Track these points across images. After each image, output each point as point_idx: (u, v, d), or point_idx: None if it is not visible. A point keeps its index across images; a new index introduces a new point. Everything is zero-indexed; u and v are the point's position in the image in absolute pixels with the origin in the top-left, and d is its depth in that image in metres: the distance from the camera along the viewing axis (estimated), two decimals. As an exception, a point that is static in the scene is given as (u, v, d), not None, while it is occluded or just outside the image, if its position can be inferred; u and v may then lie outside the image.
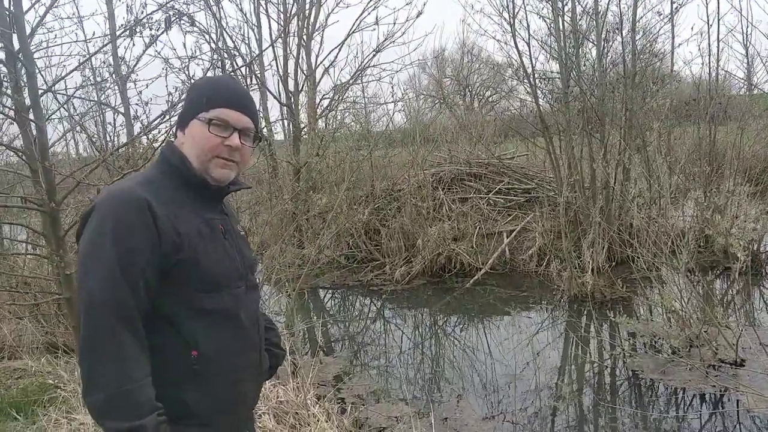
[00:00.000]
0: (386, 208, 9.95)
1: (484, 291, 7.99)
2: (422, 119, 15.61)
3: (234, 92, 1.66)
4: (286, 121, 11.01)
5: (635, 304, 7.07)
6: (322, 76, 10.98)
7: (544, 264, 8.47)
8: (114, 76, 5.99)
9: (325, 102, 11.06)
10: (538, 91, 8.94)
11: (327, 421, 4.04)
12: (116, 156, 4.31)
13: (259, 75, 10.63)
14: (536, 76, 8.79)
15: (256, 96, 10.80)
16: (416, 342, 6.56)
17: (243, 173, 1.85)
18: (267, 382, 4.27)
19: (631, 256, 8.36)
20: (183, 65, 5.37)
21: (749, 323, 5.67)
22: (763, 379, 4.38)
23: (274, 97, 10.64)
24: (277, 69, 10.63)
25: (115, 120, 8.05)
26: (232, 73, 9.51)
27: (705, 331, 5.22)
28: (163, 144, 1.70)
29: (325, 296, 8.91)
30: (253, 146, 1.71)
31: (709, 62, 9.44)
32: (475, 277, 8.19)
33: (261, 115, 10.91)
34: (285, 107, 10.59)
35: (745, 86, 15.48)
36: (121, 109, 6.38)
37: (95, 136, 7.44)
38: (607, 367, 5.20)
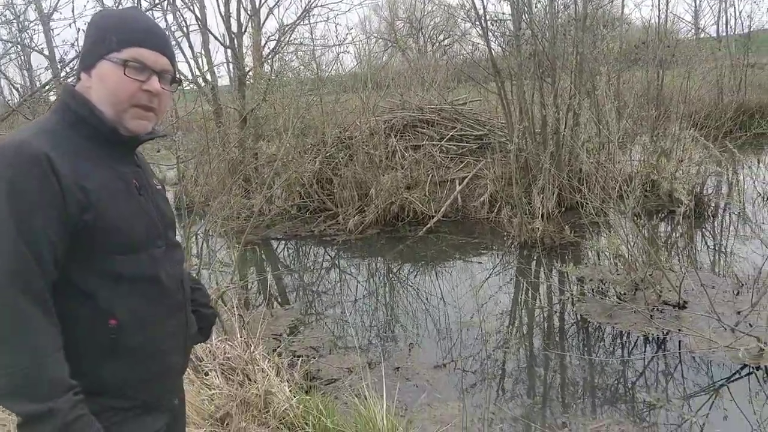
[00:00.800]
0: (338, 157, 9.73)
1: (437, 239, 7.98)
2: (374, 63, 15.21)
3: (149, 29, 1.44)
4: (230, 65, 10.48)
5: (583, 248, 7.21)
6: (267, 17, 10.44)
7: (496, 210, 8.50)
8: (36, 13, 5.47)
9: (271, 44, 10.56)
10: (490, 35, 8.76)
11: (277, 376, 3.96)
12: (35, 102, 3.94)
13: (199, 15, 10.02)
14: (488, 18, 8.58)
15: (197, 38, 10.22)
16: (370, 290, 6.53)
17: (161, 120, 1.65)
18: (213, 338, 4.15)
19: (580, 202, 8.50)
20: (116, 2, 4.93)
21: (692, 266, 5.84)
22: (704, 320, 4.52)
23: (216, 39, 10.07)
24: (218, 8, 10.03)
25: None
26: (172, 12, 8.92)
27: (650, 275, 5.36)
28: (62, 88, 1.45)
29: (277, 247, 8.74)
30: (172, 90, 1.51)
31: (659, 5, 9.41)
32: (428, 225, 8.16)
33: (203, 58, 10.35)
34: (228, 50, 10.06)
35: (693, 30, 15.66)
36: (46, 52, 5.87)
37: (18, 82, 6.86)
38: (555, 312, 5.29)
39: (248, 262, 8.10)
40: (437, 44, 28.71)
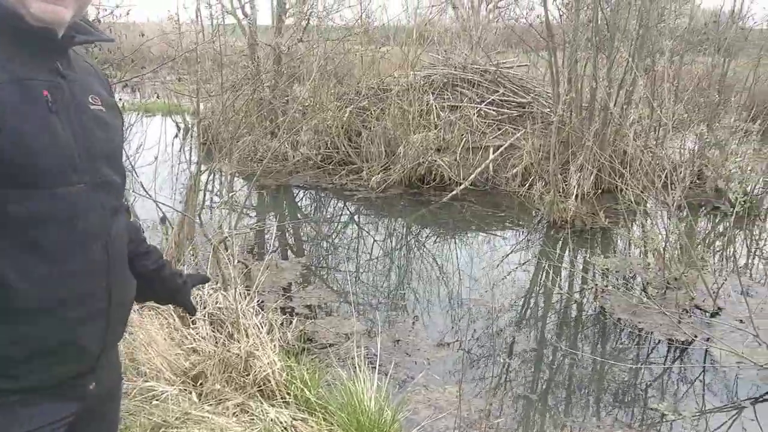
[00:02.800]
0: (371, 109, 9.32)
1: (462, 207, 7.60)
2: (421, 17, 14.54)
3: None
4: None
5: (615, 236, 6.76)
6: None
7: (528, 185, 8.04)
8: None
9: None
10: None
11: (268, 334, 3.72)
12: None
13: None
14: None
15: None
16: (384, 252, 6.23)
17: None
18: (206, 285, 3.92)
19: (619, 186, 7.99)
20: None
21: (734, 270, 5.37)
22: (738, 331, 4.11)
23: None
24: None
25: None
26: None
27: (684, 274, 4.93)
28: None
29: (297, 195, 8.48)
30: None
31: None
32: (454, 192, 7.77)
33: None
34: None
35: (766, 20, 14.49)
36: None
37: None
38: (575, 301, 4.92)
39: (266, 206, 7.87)
40: (492, 3, 27.55)
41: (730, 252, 6.37)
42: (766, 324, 4.25)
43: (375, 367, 3.10)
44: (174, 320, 3.65)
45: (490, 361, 3.90)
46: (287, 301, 4.56)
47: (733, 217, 4.78)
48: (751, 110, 8.23)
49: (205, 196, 5.15)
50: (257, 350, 3.11)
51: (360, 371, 3.01)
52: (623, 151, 8.03)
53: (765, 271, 5.68)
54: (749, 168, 7.40)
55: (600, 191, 7.81)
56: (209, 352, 3.04)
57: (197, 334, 3.52)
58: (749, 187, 7.31)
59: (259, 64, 9.31)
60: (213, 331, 3.61)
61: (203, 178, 5.15)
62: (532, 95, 9.84)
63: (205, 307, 3.73)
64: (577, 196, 7.20)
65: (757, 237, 6.87)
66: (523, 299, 5.06)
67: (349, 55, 10.33)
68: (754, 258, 6.18)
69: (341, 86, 10.15)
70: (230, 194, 6.97)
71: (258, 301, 4.32)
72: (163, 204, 4.52)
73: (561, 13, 8.55)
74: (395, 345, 3.97)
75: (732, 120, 8.03)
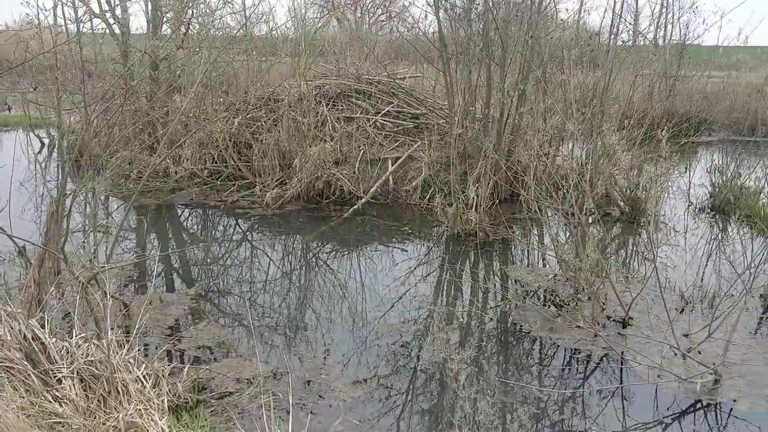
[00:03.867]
0: (261, 120, 8.75)
1: (363, 222, 7.27)
2: (309, 29, 14.14)
3: None
4: (146, 3, 9.13)
5: (519, 246, 6.74)
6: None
7: (428, 197, 7.88)
8: None
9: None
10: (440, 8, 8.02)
11: (154, 387, 3.13)
12: None
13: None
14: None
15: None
16: (285, 275, 5.73)
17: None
18: (75, 335, 3.24)
19: (517, 195, 8.06)
20: None
21: (633, 278, 5.47)
22: (649, 341, 4.09)
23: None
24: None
25: None
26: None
27: (593, 284, 4.92)
28: None
29: (181, 216, 7.71)
30: None
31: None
32: (355, 206, 7.42)
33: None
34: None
35: (632, 35, 15.67)
36: None
37: None
38: (491, 318, 4.72)
39: (147, 229, 7.05)
40: (374, 18, 27.72)
41: (627, 259, 6.57)
42: (671, 330, 4.29)
43: (288, 419, 2.64)
44: (32, 381, 2.95)
45: (411, 397, 3.56)
46: (176, 343, 3.94)
47: (649, 225, 4.81)
48: (629, 118, 8.66)
49: (69, 222, 4.36)
50: (140, 417, 2.52)
51: (268, 427, 2.54)
52: (517, 160, 8.11)
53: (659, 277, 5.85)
54: (635, 173, 7.73)
55: (498, 201, 7.83)
56: (80, 426, 2.42)
57: (63, 397, 2.86)
58: (630, 191, 7.66)
59: (133, 72, 8.42)
60: (85, 392, 2.96)
61: (72, 200, 4.36)
62: (425, 106, 9.77)
63: (72, 362, 3.07)
64: (475, 206, 7.13)
65: (644, 241, 7.14)
66: (437, 319, 4.79)
67: (235, 64, 9.70)
68: (647, 264, 6.38)
69: (227, 96, 9.49)
70: (103, 218, 6.12)
71: (140, 346, 3.69)
72: (14, 237, 3.73)
73: (452, 25, 8.52)
74: (306, 387, 3.51)
75: (614, 128, 8.41)
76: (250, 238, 6.87)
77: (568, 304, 4.78)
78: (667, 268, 5.75)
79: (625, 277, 5.21)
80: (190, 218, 7.65)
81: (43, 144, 11.09)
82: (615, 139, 8.15)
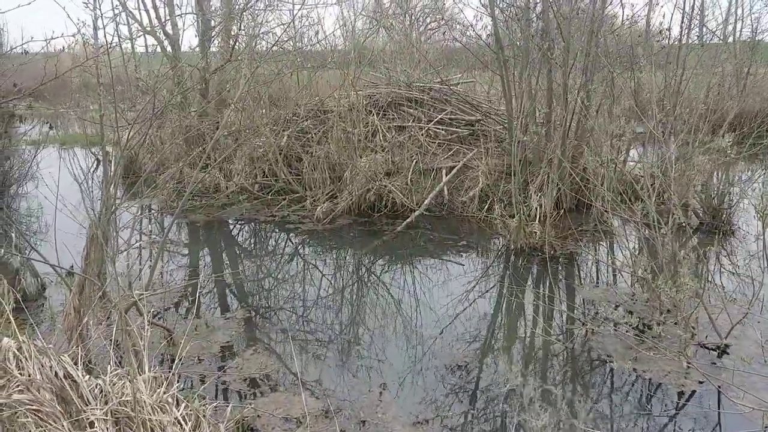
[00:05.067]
0: (311, 132, 8.52)
1: (418, 235, 6.89)
2: (358, 39, 13.94)
3: None
4: (194, 18, 9.11)
5: (590, 261, 6.20)
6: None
7: (486, 207, 7.43)
8: None
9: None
10: (496, 8, 7.59)
11: (195, 430, 2.83)
12: None
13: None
14: (495, -14, 7.41)
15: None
16: (337, 296, 5.40)
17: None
18: (110, 371, 2.99)
19: (582, 204, 7.49)
20: None
21: (729, 297, 4.85)
22: (758, 374, 3.53)
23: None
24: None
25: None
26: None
27: (677, 305, 4.36)
28: None
29: (233, 231, 7.54)
30: None
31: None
32: (408, 219, 7.04)
33: (165, 7, 8.99)
34: (193, -1, 8.71)
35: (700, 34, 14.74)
36: None
37: None
38: (567, 347, 4.21)
39: (199, 244, 6.90)
40: (423, 27, 27.42)
41: (713, 275, 5.92)
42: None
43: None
44: (62, 424, 2.71)
45: (480, 439, 3.14)
46: (221, 374, 3.65)
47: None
48: (706, 120, 7.96)
49: (116, 243, 4.18)
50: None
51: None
52: (583, 167, 7.55)
53: (749, 292, 5.20)
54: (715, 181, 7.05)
55: (562, 211, 7.30)
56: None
57: (94, 443, 2.60)
58: (712, 199, 6.98)
59: (184, 87, 8.36)
60: (117, 437, 2.69)
61: (114, 220, 4.18)
62: (481, 112, 9.33)
63: (107, 402, 2.81)
64: (538, 217, 6.64)
65: (727, 254, 6.45)
66: (499, 343, 4.35)
67: (284, 78, 9.53)
68: (734, 279, 5.72)
69: (277, 109, 9.33)
70: (152, 237, 5.98)
71: (182, 381, 3.42)
72: (56, 265, 3.54)
73: (508, 25, 8.06)
74: (361, 427, 3.15)
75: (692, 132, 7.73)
76: (300, 255, 6.60)
77: (651, 329, 4.24)
78: (760, 284, 5.10)
79: (721, 298, 4.60)
80: (240, 234, 7.47)
81: (98, 161, 11.24)
82: (693, 142, 7.46)
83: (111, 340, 3.20)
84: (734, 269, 5.74)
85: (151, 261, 5.53)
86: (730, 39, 15.43)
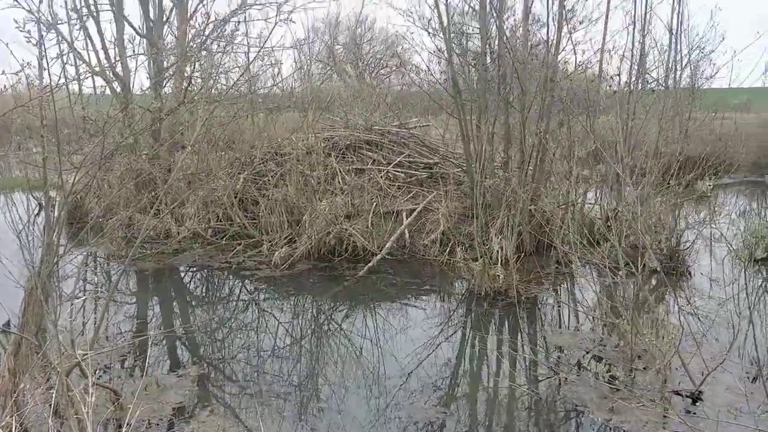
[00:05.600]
0: (267, 175, 8.33)
1: (379, 281, 6.71)
2: (314, 84, 13.96)
3: None
4: (146, 59, 8.88)
5: (548, 305, 6.15)
6: (198, 6, 8.96)
7: (447, 251, 7.34)
8: None
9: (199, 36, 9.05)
10: (453, 53, 7.70)
11: None
12: None
13: (113, -4, 8.46)
14: (451, 31, 7.54)
15: (109, 26, 8.61)
16: (299, 347, 5.13)
17: None
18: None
19: (542, 247, 7.51)
20: None
21: (695, 340, 4.84)
22: (734, 425, 3.46)
23: (131, 26, 8.51)
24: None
25: None
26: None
27: (644, 350, 4.32)
28: None
29: (184, 278, 7.17)
30: None
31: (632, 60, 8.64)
32: (370, 264, 6.87)
33: (115, 48, 8.73)
34: (144, 39, 8.50)
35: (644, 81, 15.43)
36: None
37: None
38: (541, 397, 4.06)
39: (147, 295, 6.51)
40: (375, 72, 27.90)
41: (678, 317, 5.94)
42: (745, 404, 3.66)
43: None
44: None
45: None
46: (173, 442, 3.33)
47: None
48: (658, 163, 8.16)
49: (57, 297, 3.83)
50: None
51: None
52: (542, 210, 7.60)
53: (713, 335, 5.22)
54: (670, 222, 7.20)
55: (523, 254, 7.28)
56: None
57: None
58: (667, 241, 7.10)
59: (134, 129, 8.06)
60: None
61: (55, 273, 3.84)
62: (438, 155, 9.37)
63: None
64: (500, 261, 6.59)
65: (685, 295, 6.50)
66: (474, 397, 4.17)
67: (240, 120, 9.35)
68: (696, 321, 5.75)
69: (232, 151, 9.11)
70: (98, 288, 5.59)
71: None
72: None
73: (465, 70, 8.18)
74: (330, 496, 2.88)
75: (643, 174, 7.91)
76: (257, 303, 6.30)
77: (626, 376, 4.16)
78: (718, 325, 5.13)
79: (696, 343, 4.57)
80: (192, 282, 7.11)
81: (40, 206, 10.67)
82: (647, 185, 7.64)
83: (50, 405, 2.86)
84: (704, 312, 5.75)
85: (96, 314, 5.14)
86: (671, 84, 16.22)
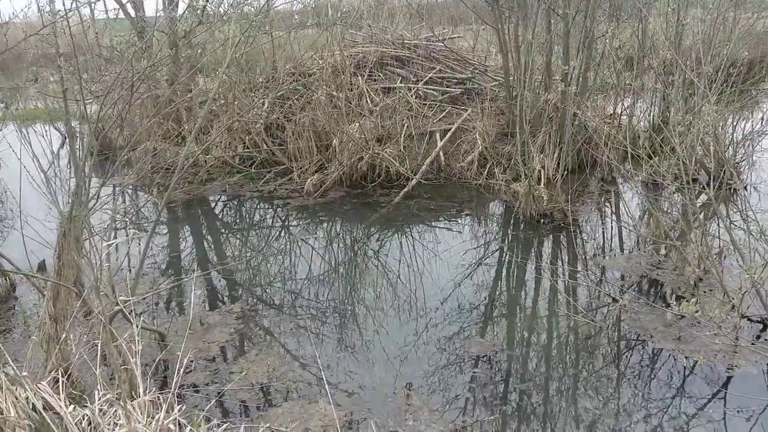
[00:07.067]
0: (292, 98, 7.94)
1: (414, 205, 6.45)
2: None
3: None
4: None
5: (601, 225, 5.87)
6: None
7: (486, 172, 7.01)
8: None
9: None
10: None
11: (203, 460, 2.43)
12: None
13: None
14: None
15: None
16: (343, 278, 4.98)
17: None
18: (98, 398, 2.55)
19: (586, 163, 7.15)
20: None
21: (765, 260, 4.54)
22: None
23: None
24: None
25: None
26: None
27: (705, 271, 4.06)
28: None
29: (215, 209, 7.02)
30: None
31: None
32: (406, 189, 6.60)
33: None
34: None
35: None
36: None
37: None
38: (601, 327, 3.85)
39: (179, 223, 6.39)
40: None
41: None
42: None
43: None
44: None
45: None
46: (222, 383, 3.23)
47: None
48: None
49: (90, 236, 3.67)
50: None
51: None
52: (584, 126, 7.14)
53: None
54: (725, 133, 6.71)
55: (565, 172, 6.92)
56: None
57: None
58: (722, 153, 6.66)
59: (151, 53, 7.66)
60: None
61: (87, 213, 3.66)
62: (471, 70, 8.82)
63: (97, 436, 2.38)
64: (546, 180, 6.26)
65: (741, 210, 6.15)
66: (528, 325, 4.00)
67: (257, 39, 8.83)
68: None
69: (252, 75, 8.67)
70: (132, 222, 5.44)
71: (180, 398, 2.99)
72: (19, 271, 3.04)
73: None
74: (392, 439, 2.78)
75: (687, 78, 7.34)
76: (293, 234, 6.13)
77: (688, 300, 3.92)
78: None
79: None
80: (224, 212, 6.95)
81: (64, 138, 10.50)
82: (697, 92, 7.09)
83: (96, 356, 2.74)
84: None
85: (129, 252, 5.04)
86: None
